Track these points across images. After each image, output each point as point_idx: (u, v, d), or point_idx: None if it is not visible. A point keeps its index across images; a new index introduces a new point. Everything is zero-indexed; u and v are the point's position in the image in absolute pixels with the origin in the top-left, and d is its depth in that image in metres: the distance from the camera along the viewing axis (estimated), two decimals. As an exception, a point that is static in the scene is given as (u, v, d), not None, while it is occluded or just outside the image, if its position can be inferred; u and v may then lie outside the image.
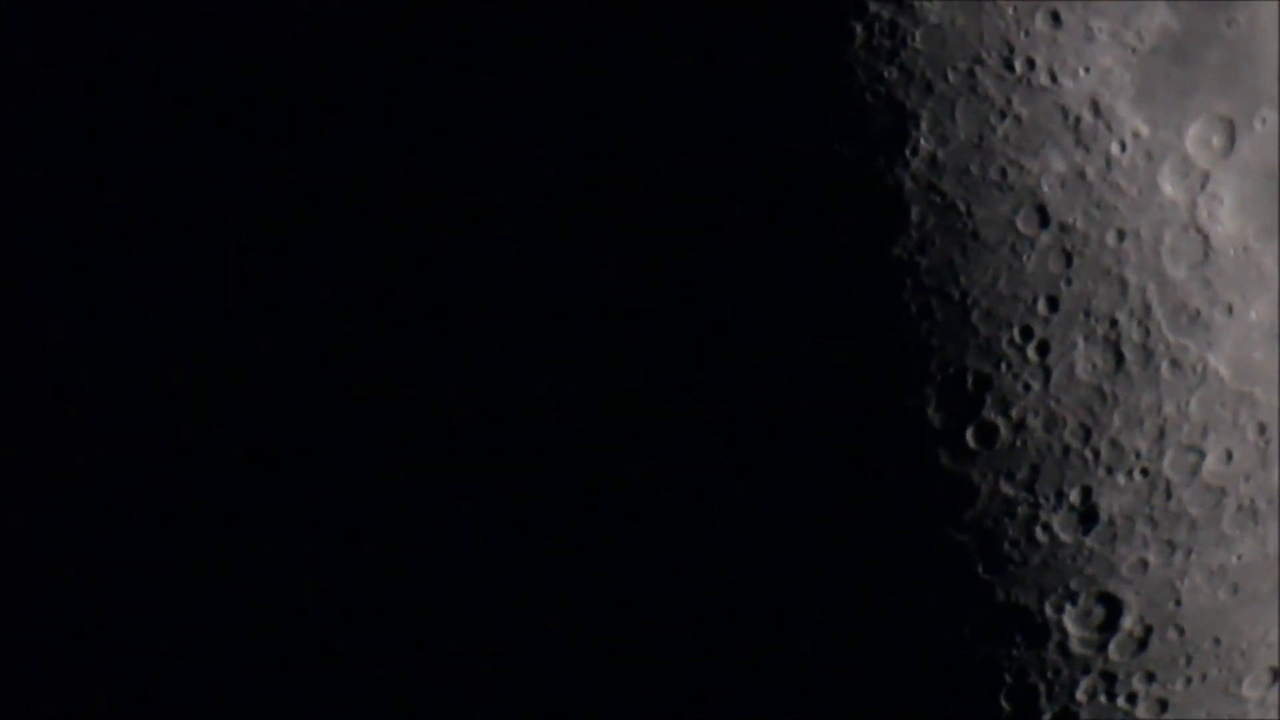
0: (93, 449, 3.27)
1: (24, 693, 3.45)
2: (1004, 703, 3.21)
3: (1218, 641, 3.25)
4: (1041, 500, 3.10)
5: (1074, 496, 3.11)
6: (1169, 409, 3.09)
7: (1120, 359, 3.06)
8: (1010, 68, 2.98)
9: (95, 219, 3.19)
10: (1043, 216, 3.01)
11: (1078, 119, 2.99)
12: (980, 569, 3.13)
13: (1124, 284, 3.04)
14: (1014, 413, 3.07)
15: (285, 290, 3.09)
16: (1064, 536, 3.13)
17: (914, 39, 2.97)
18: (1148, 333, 3.06)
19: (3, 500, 3.37)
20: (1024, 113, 2.98)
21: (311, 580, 3.19)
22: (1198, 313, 3.07)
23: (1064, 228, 3.02)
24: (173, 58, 3.10)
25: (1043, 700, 3.22)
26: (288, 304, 3.09)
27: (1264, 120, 3.07)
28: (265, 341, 3.11)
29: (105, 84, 3.15)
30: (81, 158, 3.18)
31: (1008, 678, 3.20)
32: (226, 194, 3.09)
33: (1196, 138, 3.04)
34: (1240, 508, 3.17)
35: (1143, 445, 3.10)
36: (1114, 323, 3.05)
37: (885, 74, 2.98)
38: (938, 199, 2.99)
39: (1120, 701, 3.24)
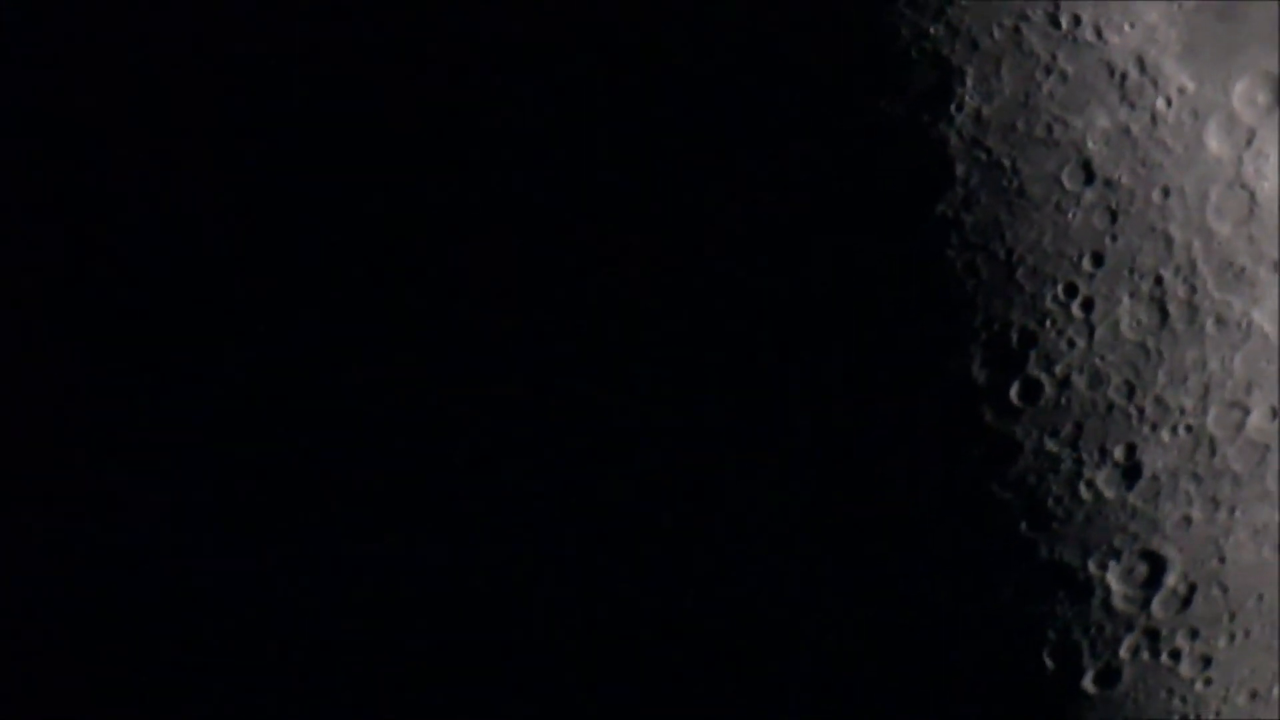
0: (91, 449, 3.27)
1: (24, 693, 3.44)
2: (1047, 660, 3.22)
3: (1261, 598, 3.25)
4: (1085, 457, 3.11)
5: (1118, 453, 3.11)
6: (1213, 365, 3.09)
7: (1165, 315, 3.06)
8: (1056, 24, 2.97)
9: (95, 218, 3.19)
10: (1088, 173, 3.01)
11: (1123, 75, 2.99)
12: (1023, 526, 3.13)
13: (1169, 240, 3.04)
14: (1058, 370, 3.07)
15: (282, 290, 3.09)
16: (1108, 494, 3.13)
17: (959, -4, 2.98)
18: (1193, 289, 3.06)
19: (2, 500, 3.36)
20: (1069, 69, 2.98)
21: (310, 581, 3.20)
22: (1243, 269, 3.07)
23: (1109, 184, 3.01)
24: (172, 57, 3.10)
25: (1086, 657, 3.23)
26: (285, 304, 3.09)
27: (1310, 76, 3.07)
28: (263, 342, 3.11)
29: (105, 83, 3.15)
30: (81, 157, 3.18)
31: (1051, 635, 3.20)
32: (226, 194, 3.09)
33: (1242, 94, 3.04)
34: (1284, 465, 3.18)
35: (1187, 402, 3.10)
36: (1159, 279, 3.05)
37: (930, 30, 2.98)
38: (983, 156, 2.99)
39: (1164, 659, 3.25)
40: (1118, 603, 3.20)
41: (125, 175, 3.14)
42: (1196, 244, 3.05)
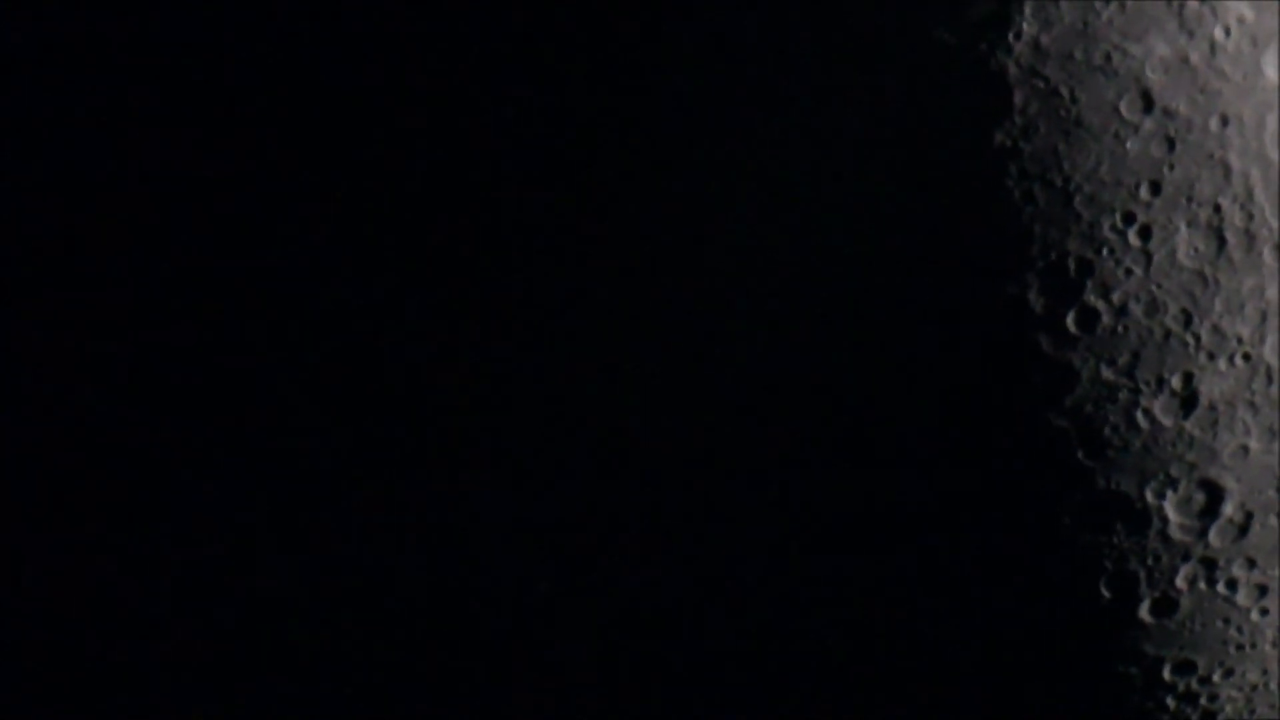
0: (88, 450, 3.28)
1: (24, 692, 3.45)
2: (1104, 589, 3.23)
3: (1318, 529, 3.26)
4: (1142, 385, 3.12)
5: (1175, 382, 3.12)
6: (1271, 293, 3.10)
7: (1222, 244, 3.07)
8: (1115, -48, 2.98)
9: (93, 218, 3.20)
10: (1147, 102, 3.02)
11: (1182, 3, 3.00)
12: (1080, 455, 3.15)
13: (1227, 169, 3.05)
14: (1115, 298, 3.08)
15: (276, 290, 3.11)
16: (1165, 422, 3.14)
17: (1018, -75, 2.99)
18: (1250, 217, 3.06)
19: (2, 500, 3.38)
20: (1128, -3, 2.99)
21: (309, 582, 3.21)
22: (1301, 198, 3.08)
23: (1168, 113, 3.02)
24: (171, 55, 3.12)
25: (1142, 587, 3.24)
26: (278, 304, 3.11)
27: (1369, 5, 3.07)
28: (260, 342, 3.13)
29: (104, 82, 3.16)
30: (81, 157, 3.19)
31: (1108, 564, 3.22)
32: (224, 192, 3.10)
33: (1301, 22, 3.04)
34: (1342, 395, 3.18)
35: (1244, 330, 3.11)
36: (1217, 208, 3.06)
37: (989, -41, 2.99)
38: (1041, 84, 3.01)
39: (1220, 588, 3.26)
40: (1175, 532, 3.21)
41: (123, 174, 3.16)
42: (1254, 172, 3.05)
